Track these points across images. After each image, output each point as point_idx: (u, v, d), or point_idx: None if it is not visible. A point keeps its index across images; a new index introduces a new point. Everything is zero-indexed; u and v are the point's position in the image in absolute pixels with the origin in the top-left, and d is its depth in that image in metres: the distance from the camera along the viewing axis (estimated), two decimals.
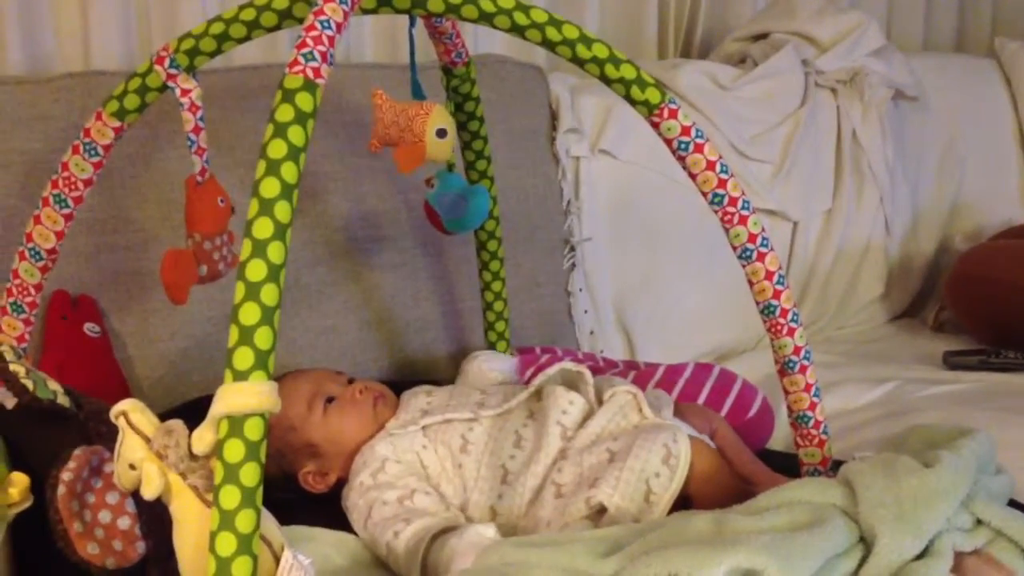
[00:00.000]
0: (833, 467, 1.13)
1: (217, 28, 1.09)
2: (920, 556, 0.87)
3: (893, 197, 2.03)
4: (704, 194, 1.09)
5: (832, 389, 1.54)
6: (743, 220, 1.08)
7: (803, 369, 1.12)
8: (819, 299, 1.99)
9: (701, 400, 1.35)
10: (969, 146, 2.17)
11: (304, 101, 0.81)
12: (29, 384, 0.99)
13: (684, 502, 1.03)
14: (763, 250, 1.09)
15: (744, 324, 1.81)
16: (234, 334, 0.75)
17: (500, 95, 1.65)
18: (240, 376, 0.75)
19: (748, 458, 1.17)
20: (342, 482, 1.17)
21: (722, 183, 1.08)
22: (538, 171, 1.70)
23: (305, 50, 0.83)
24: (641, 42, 2.09)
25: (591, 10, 2.02)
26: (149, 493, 0.80)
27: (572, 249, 1.73)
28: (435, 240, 1.55)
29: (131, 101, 1.13)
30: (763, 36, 2.06)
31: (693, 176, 1.09)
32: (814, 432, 1.14)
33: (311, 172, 1.47)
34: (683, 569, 0.79)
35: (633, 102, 1.07)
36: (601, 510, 1.02)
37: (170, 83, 1.11)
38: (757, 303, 1.11)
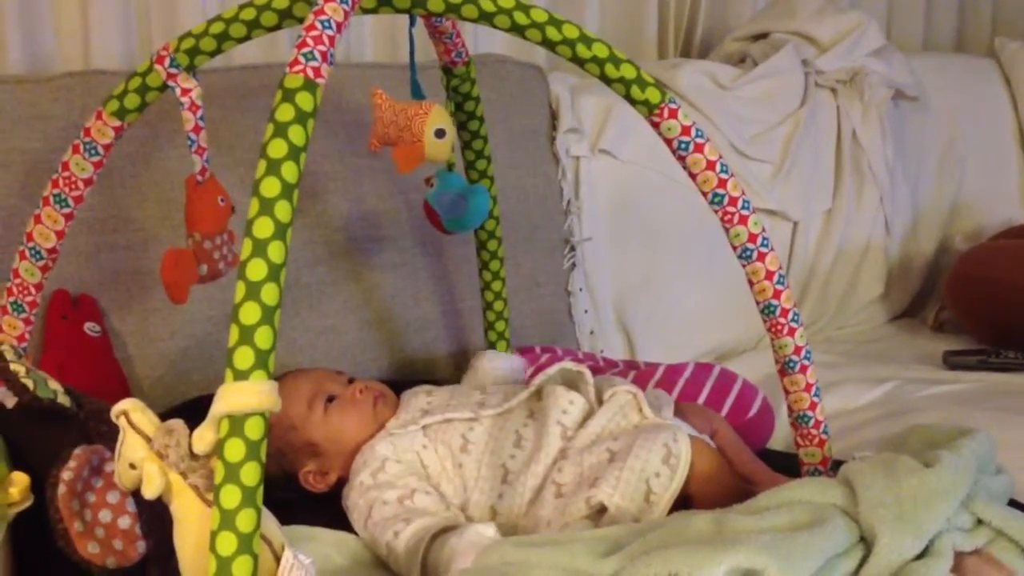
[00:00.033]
0: (833, 467, 1.13)
1: (217, 27, 1.09)
2: (920, 556, 0.87)
3: (893, 197, 2.03)
4: (704, 194, 1.09)
5: (832, 389, 1.54)
6: (743, 220, 1.08)
7: (803, 369, 1.12)
8: (819, 299, 1.99)
9: (701, 400, 1.35)
10: (969, 146, 2.17)
11: (304, 101, 0.81)
12: (29, 383, 0.99)
13: (684, 502, 1.03)
14: (763, 250, 1.09)
15: (744, 324, 1.81)
16: (234, 333, 0.75)
17: (500, 95, 1.65)
18: (240, 375, 0.75)
19: (748, 458, 1.17)
20: (342, 481, 1.17)
21: (722, 183, 1.08)
22: (538, 171, 1.70)
23: (305, 50, 0.83)
24: (641, 42, 2.09)
25: (591, 10, 2.02)
26: (150, 492, 0.80)
27: (572, 249, 1.73)
28: (435, 240, 1.55)
29: (131, 100, 1.13)
30: (763, 36, 2.07)
31: (693, 176, 1.09)
32: (814, 432, 1.14)
33: (311, 172, 1.47)
34: (683, 569, 0.79)
35: (633, 102, 1.07)
36: (601, 510, 1.02)
37: (170, 82, 1.11)
38: (757, 303, 1.11)
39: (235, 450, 0.74)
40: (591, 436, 1.10)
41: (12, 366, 1.01)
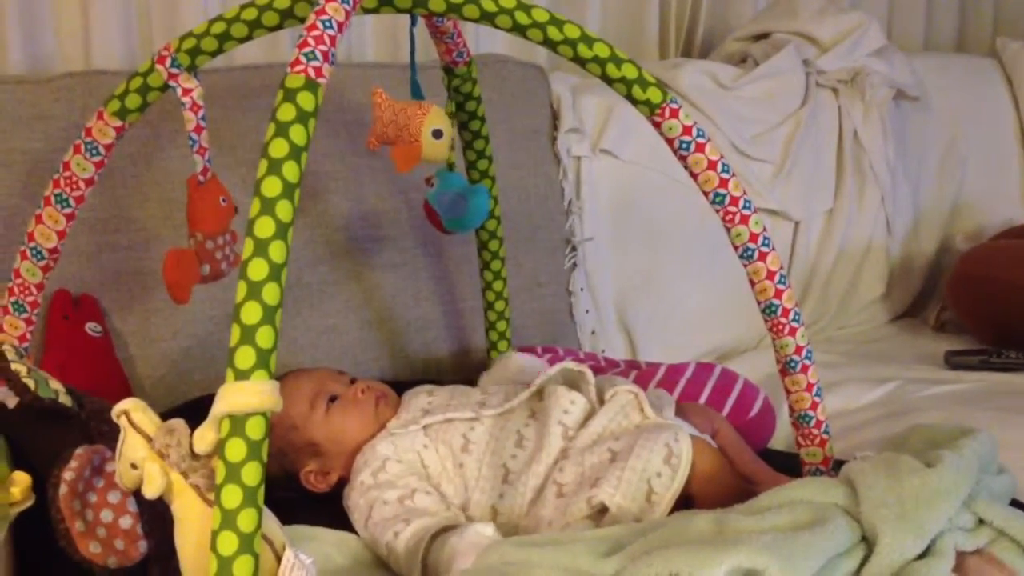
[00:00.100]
0: (835, 467, 1.13)
1: (219, 27, 1.09)
2: (922, 556, 0.87)
3: (894, 197, 2.03)
4: (705, 194, 1.09)
5: (833, 389, 1.54)
6: (744, 220, 1.08)
7: (805, 369, 1.12)
8: (820, 299, 1.99)
9: (702, 400, 1.35)
10: (970, 146, 2.17)
11: (306, 100, 0.81)
12: (31, 383, 0.99)
13: (686, 502, 1.03)
14: (764, 250, 1.09)
15: (745, 324, 1.81)
16: (236, 333, 0.75)
17: (501, 95, 1.65)
18: (242, 375, 0.75)
19: (749, 458, 1.17)
20: (343, 481, 1.17)
21: (723, 183, 1.08)
22: (539, 171, 1.70)
23: (307, 49, 0.83)
24: (642, 42, 2.09)
25: (592, 10, 2.02)
26: (151, 492, 0.80)
27: (573, 249, 1.73)
28: (436, 240, 1.55)
29: (132, 100, 1.13)
30: (764, 36, 2.06)
31: (694, 176, 1.09)
32: (815, 432, 1.14)
33: (312, 171, 1.47)
34: (684, 569, 0.79)
35: (634, 102, 1.07)
36: (603, 510, 1.02)
37: (171, 82, 1.11)
38: (758, 303, 1.11)
39: (236, 450, 0.74)
40: (592, 436, 1.10)
41: (13, 366, 1.01)
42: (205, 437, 0.77)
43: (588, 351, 1.67)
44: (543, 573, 0.85)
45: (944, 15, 2.48)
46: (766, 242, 1.09)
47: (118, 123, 1.14)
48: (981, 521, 0.91)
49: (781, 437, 1.36)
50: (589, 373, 1.17)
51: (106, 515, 0.91)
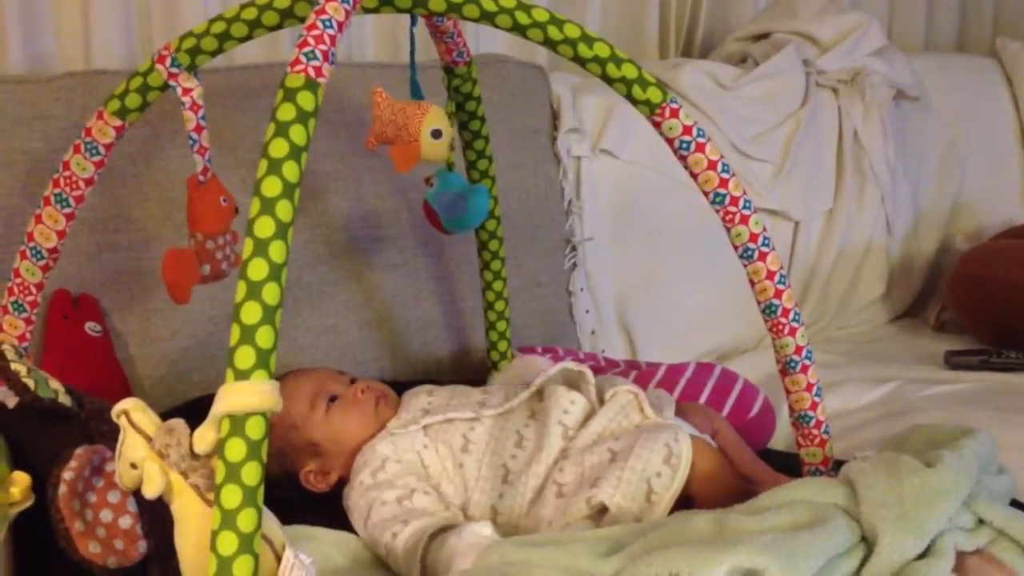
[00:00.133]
0: (834, 467, 1.13)
1: (219, 27, 1.09)
2: (922, 556, 0.87)
3: (894, 197, 2.03)
4: (705, 194, 1.09)
5: (833, 389, 1.54)
6: (744, 220, 1.08)
7: (804, 369, 1.12)
8: (820, 299, 1.99)
9: (702, 400, 1.35)
10: (970, 146, 2.17)
11: (306, 100, 0.81)
12: (30, 383, 0.99)
13: (686, 502, 1.03)
14: (764, 250, 1.09)
15: (745, 324, 1.81)
16: (236, 333, 0.75)
17: (501, 95, 1.65)
18: (241, 375, 0.75)
19: (749, 458, 1.17)
20: (343, 481, 1.17)
21: (723, 183, 1.08)
22: (539, 171, 1.70)
23: (307, 49, 0.83)
24: (642, 41, 2.09)
25: (592, 9, 2.02)
26: (150, 492, 0.80)
27: (573, 249, 1.73)
28: (436, 240, 1.55)
29: (132, 100, 1.13)
30: (764, 36, 2.06)
31: (694, 176, 1.08)
32: (815, 432, 1.14)
33: (312, 171, 1.47)
34: (684, 569, 0.79)
35: (634, 101, 1.07)
36: (602, 510, 1.02)
37: (171, 82, 1.11)
38: (758, 303, 1.11)
39: (236, 450, 0.74)
40: (592, 436, 1.10)
41: (13, 366, 1.01)
42: (205, 437, 0.77)
43: (588, 351, 1.67)
44: (543, 573, 0.85)
45: (944, 15, 2.48)
46: (766, 242, 1.09)
47: (118, 123, 1.14)
48: (981, 521, 0.91)
49: (781, 437, 1.36)
50: (589, 373, 1.17)
51: (106, 515, 0.91)
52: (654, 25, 2.10)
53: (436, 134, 1.14)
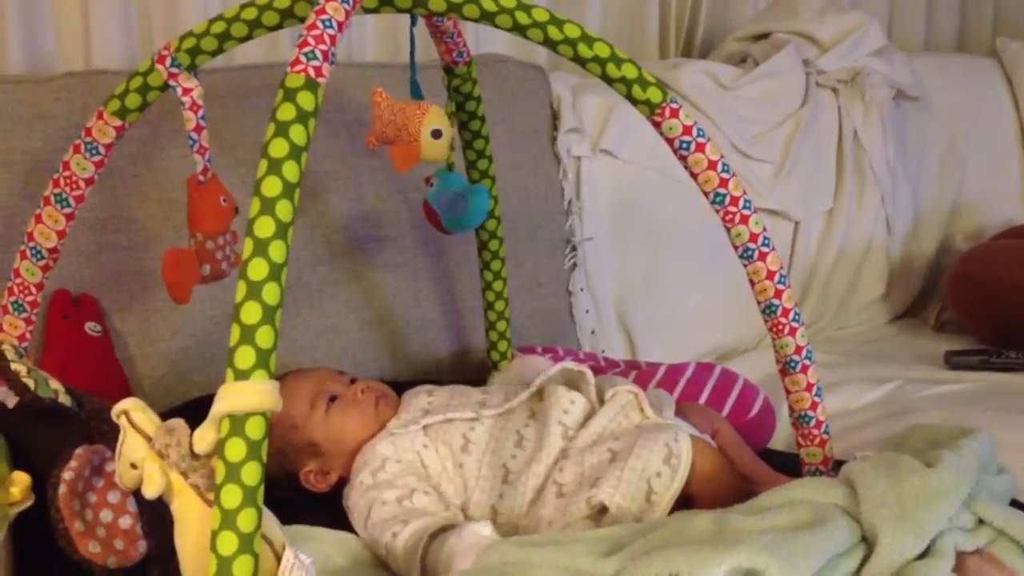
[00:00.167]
0: (834, 467, 1.13)
1: (219, 27, 1.09)
2: (922, 556, 0.87)
3: (894, 197, 2.03)
4: (705, 194, 1.09)
5: (833, 389, 1.54)
6: (744, 220, 1.08)
7: (804, 369, 1.12)
8: (820, 299, 1.99)
9: (702, 400, 1.35)
10: (970, 146, 2.17)
11: (306, 100, 0.81)
12: (30, 383, 0.99)
13: (686, 502, 1.03)
14: (764, 250, 1.09)
15: (745, 324, 1.81)
16: (235, 333, 0.75)
17: (501, 95, 1.65)
18: (241, 375, 0.75)
19: (749, 458, 1.17)
20: (343, 481, 1.17)
21: (723, 183, 1.08)
22: (539, 171, 1.70)
23: (307, 49, 0.83)
24: (642, 41, 2.09)
25: (592, 9, 2.02)
26: (150, 492, 0.80)
27: (573, 249, 1.73)
28: (436, 240, 1.55)
29: (132, 100, 1.13)
30: (764, 36, 2.06)
31: (694, 176, 1.08)
32: (815, 432, 1.14)
33: (312, 171, 1.47)
34: (684, 569, 0.79)
35: (634, 101, 1.07)
36: (602, 510, 1.02)
37: (171, 82, 1.11)
38: (758, 303, 1.11)
39: (236, 450, 0.74)
40: (592, 436, 1.10)
41: (13, 366, 1.01)
42: (205, 437, 0.77)
43: (588, 351, 1.67)
44: (543, 573, 0.85)
45: (944, 15, 2.48)
46: (766, 242, 1.09)
47: (118, 123, 1.14)
48: (981, 521, 0.91)
49: (781, 437, 1.36)
50: (589, 373, 1.17)
51: (106, 515, 0.91)
52: (654, 25, 2.10)
53: (436, 134, 1.14)
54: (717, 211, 1.09)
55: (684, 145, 1.07)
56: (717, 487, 1.04)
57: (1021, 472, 1.02)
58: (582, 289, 1.74)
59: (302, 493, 1.19)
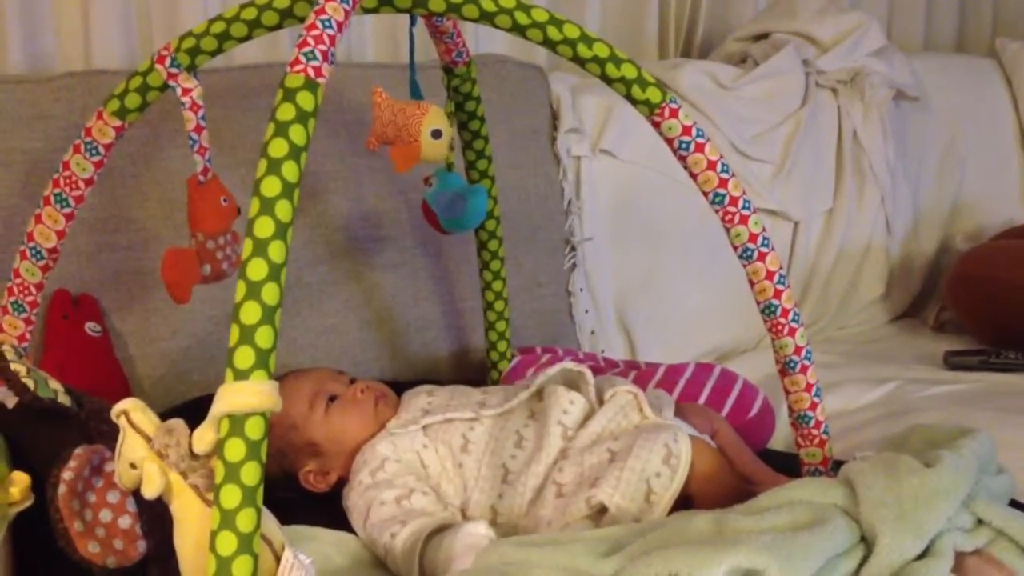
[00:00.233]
0: (834, 467, 1.13)
1: (218, 27, 1.09)
2: (921, 556, 0.87)
3: (894, 197, 2.03)
4: (705, 194, 1.09)
5: (833, 389, 1.54)
6: (744, 220, 1.08)
7: (804, 369, 1.12)
8: (820, 299, 1.99)
9: (702, 400, 1.35)
10: (970, 146, 2.17)
11: (305, 100, 0.81)
12: (30, 383, 0.99)
13: (685, 502, 1.03)
14: (764, 250, 1.09)
15: (745, 324, 1.81)
16: (235, 333, 0.75)
17: (501, 95, 1.65)
18: (241, 375, 0.75)
19: (749, 458, 1.17)
20: (343, 481, 1.17)
21: (723, 183, 1.08)
22: (539, 171, 1.70)
23: (306, 49, 0.83)
24: (642, 42, 2.09)
25: (592, 9, 2.02)
26: (150, 492, 0.80)
27: (573, 249, 1.73)
28: (436, 240, 1.55)
29: (132, 100, 1.13)
30: (764, 36, 2.06)
31: (694, 176, 1.09)
32: (815, 432, 1.14)
33: (312, 171, 1.47)
34: (684, 569, 0.79)
35: (634, 102, 1.07)
36: (602, 510, 1.02)
37: (171, 82, 1.11)
38: (758, 303, 1.11)
39: (235, 450, 0.74)
40: (592, 436, 1.10)
41: (13, 366, 1.01)
42: (204, 437, 0.77)
43: (587, 351, 1.67)
44: (542, 573, 0.85)
45: (944, 15, 2.48)
46: (765, 242, 1.09)
47: (118, 123, 1.14)
48: (980, 521, 0.91)
49: (781, 437, 1.36)
50: (588, 373, 1.17)
51: (105, 515, 0.91)
52: (654, 25, 2.10)
53: (436, 134, 1.14)
54: (717, 211, 1.09)
55: (683, 145, 1.07)
56: (716, 487, 1.04)
57: (1020, 472, 1.02)
58: (582, 289, 1.74)
59: (302, 493, 1.19)
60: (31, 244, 1.17)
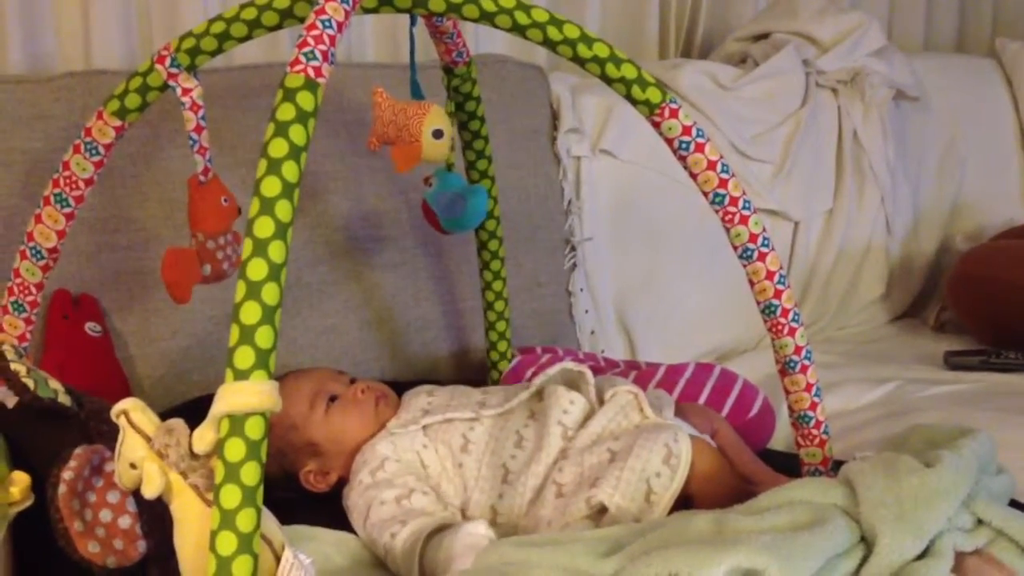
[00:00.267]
0: (834, 467, 1.13)
1: (218, 27, 1.09)
2: (921, 556, 0.87)
3: (894, 197, 2.03)
4: (705, 194, 1.09)
5: (833, 389, 1.54)
6: (744, 220, 1.08)
7: (804, 369, 1.12)
8: (820, 299, 1.99)
9: (702, 400, 1.35)
10: (970, 146, 2.17)
11: (305, 100, 0.81)
12: (30, 383, 0.99)
13: (685, 502, 1.03)
14: (764, 250, 1.09)
15: (745, 324, 1.81)
16: (235, 333, 0.75)
17: (501, 95, 1.65)
18: (241, 375, 0.75)
19: (749, 458, 1.17)
20: (343, 481, 1.17)
21: (723, 183, 1.08)
22: (539, 171, 1.70)
23: (306, 49, 0.83)
24: (642, 42, 2.09)
25: (592, 9, 2.02)
26: (150, 492, 0.80)
27: (573, 249, 1.73)
28: (436, 240, 1.55)
29: (132, 100, 1.13)
30: (764, 36, 2.06)
31: (694, 176, 1.09)
32: (815, 432, 1.14)
33: (312, 171, 1.47)
34: (683, 569, 0.79)
35: (634, 102, 1.07)
36: (602, 510, 1.02)
37: (171, 82, 1.11)
38: (758, 303, 1.11)
39: (235, 450, 0.74)
40: (592, 436, 1.10)
41: (13, 366, 1.01)
42: (204, 437, 0.77)
43: (587, 351, 1.67)
44: (542, 573, 0.85)
45: (944, 15, 2.48)
46: (765, 242, 1.09)
47: (118, 123, 1.14)
48: (980, 521, 0.91)
49: (781, 437, 1.36)
50: (589, 373, 1.17)
51: (105, 515, 0.91)
52: (654, 25, 2.10)
53: (438, 134, 1.14)
54: (717, 211, 1.09)
55: (683, 145, 1.07)
56: (716, 487, 1.04)
57: (1020, 472, 1.02)
58: (582, 289, 1.74)
59: (302, 493, 1.19)
60: (31, 244, 1.17)
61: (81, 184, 1.16)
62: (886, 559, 0.86)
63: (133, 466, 0.81)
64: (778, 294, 1.09)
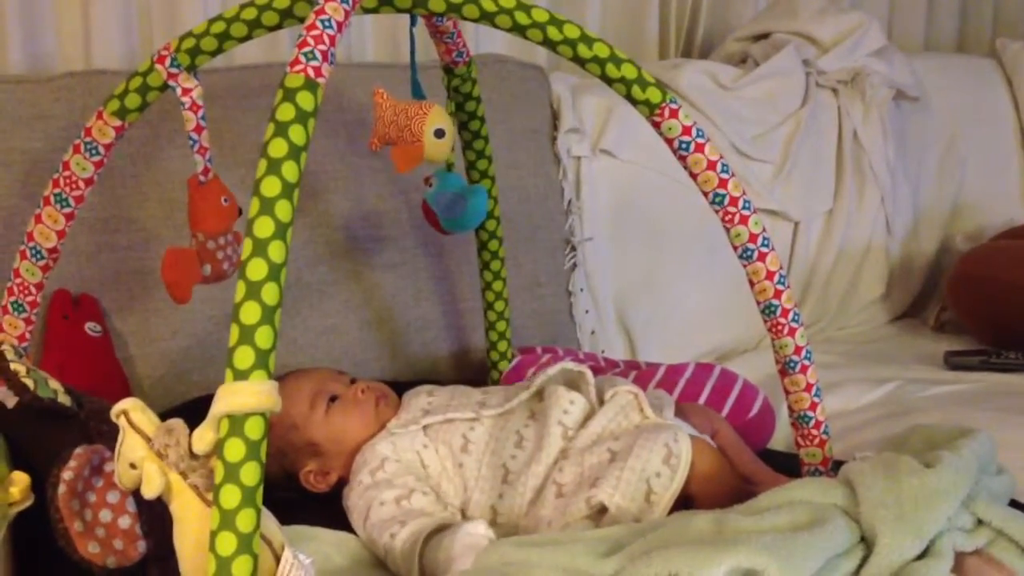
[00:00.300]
0: (834, 467, 1.13)
1: (218, 27, 1.09)
2: (921, 556, 0.87)
3: (894, 197, 2.03)
4: (705, 194, 1.09)
5: (833, 389, 1.54)
6: (744, 220, 1.08)
7: (804, 369, 1.12)
8: (820, 299, 1.99)
9: (702, 400, 1.35)
10: (970, 146, 2.17)
11: (305, 100, 0.81)
12: (30, 383, 0.99)
13: (685, 502, 1.03)
14: (764, 250, 1.09)
15: (745, 324, 1.81)
16: (235, 333, 0.75)
17: (501, 95, 1.65)
18: (241, 375, 0.75)
19: (749, 458, 1.17)
20: (343, 481, 1.17)
21: (723, 183, 1.08)
22: (539, 171, 1.70)
23: (306, 49, 0.83)
24: (642, 42, 2.09)
25: (592, 10, 2.02)
26: (150, 492, 0.80)
27: (573, 249, 1.73)
28: (436, 240, 1.55)
29: (132, 100, 1.13)
30: (764, 36, 2.06)
31: (694, 176, 1.09)
32: (815, 432, 1.14)
33: (312, 171, 1.47)
34: (684, 569, 0.79)
35: (634, 102, 1.07)
36: (602, 510, 1.02)
37: (171, 82, 1.11)
38: (758, 303, 1.11)
39: (235, 450, 0.74)
40: (592, 436, 1.10)
41: (13, 366, 1.01)
42: (204, 437, 0.77)
43: (588, 351, 1.67)
44: (542, 573, 0.85)
45: (944, 15, 2.48)
46: (766, 242, 1.09)
47: (118, 123, 1.14)
48: (980, 521, 0.91)
49: (781, 437, 1.36)
50: (589, 373, 1.17)
51: (105, 515, 0.91)
52: (654, 25, 2.10)
53: (439, 133, 1.14)
54: (716, 211, 1.09)
55: (683, 145, 1.07)
56: (717, 487, 1.04)
57: (1020, 472, 1.02)
58: (582, 289, 1.74)
59: (302, 493, 1.19)
60: (31, 244, 1.17)
61: (81, 184, 1.16)
62: (886, 559, 0.86)
63: (133, 466, 0.81)
64: (778, 294, 1.09)
